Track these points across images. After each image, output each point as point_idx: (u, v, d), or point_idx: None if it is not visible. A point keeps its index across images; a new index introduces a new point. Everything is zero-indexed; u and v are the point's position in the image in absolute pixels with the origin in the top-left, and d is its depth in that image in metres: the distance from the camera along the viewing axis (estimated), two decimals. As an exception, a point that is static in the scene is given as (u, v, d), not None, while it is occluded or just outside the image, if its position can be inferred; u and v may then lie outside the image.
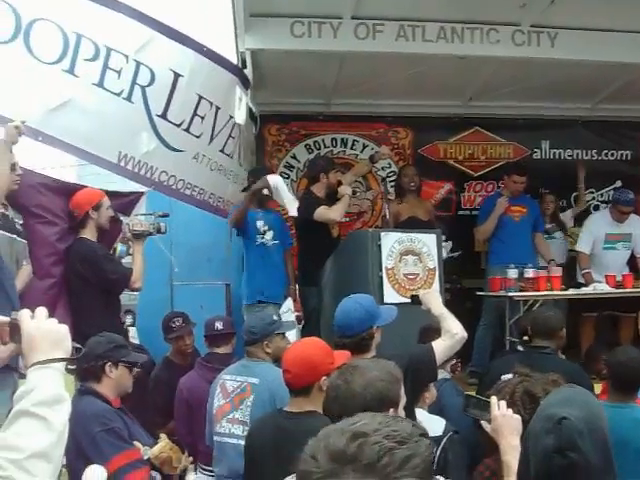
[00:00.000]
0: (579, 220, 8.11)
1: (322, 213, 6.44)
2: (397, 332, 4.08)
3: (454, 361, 4.86)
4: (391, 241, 5.74)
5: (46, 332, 1.93)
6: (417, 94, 7.77)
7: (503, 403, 2.59)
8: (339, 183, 6.75)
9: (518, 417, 2.53)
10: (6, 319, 2.03)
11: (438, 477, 2.00)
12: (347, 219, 8.12)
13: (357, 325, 3.78)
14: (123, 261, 6.02)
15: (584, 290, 6.98)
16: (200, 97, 5.59)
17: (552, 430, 1.79)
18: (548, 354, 4.71)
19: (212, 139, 5.86)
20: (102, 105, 5.06)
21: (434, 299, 4.10)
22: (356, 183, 7.99)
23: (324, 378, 3.13)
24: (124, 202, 5.72)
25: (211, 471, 4.63)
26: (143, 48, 5.24)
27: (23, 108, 4.75)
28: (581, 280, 7.51)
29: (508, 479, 2.34)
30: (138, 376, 4.18)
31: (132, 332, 6.95)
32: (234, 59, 6.20)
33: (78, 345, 2.06)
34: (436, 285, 5.75)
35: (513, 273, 6.52)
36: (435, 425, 3.64)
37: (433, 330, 4.59)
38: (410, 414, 2.71)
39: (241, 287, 6.76)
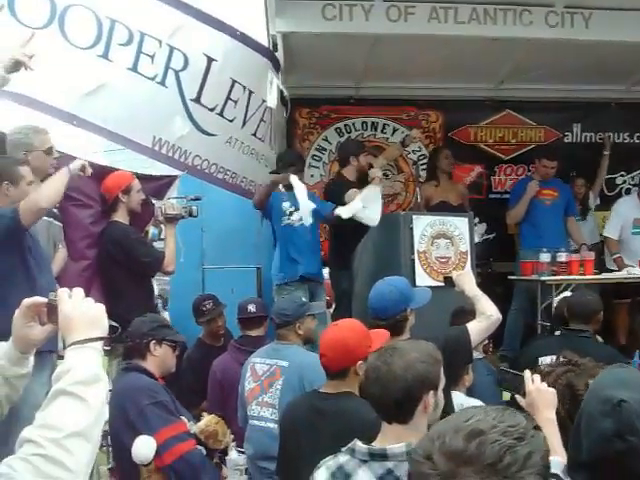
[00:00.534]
0: (606, 203, 8.05)
1: (352, 195, 6.42)
2: (429, 315, 4.09)
3: (486, 342, 4.86)
4: (423, 224, 5.74)
5: (83, 312, 1.94)
6: (448, 77, 7.69)
7: (537, 377, 2.55)
8: (370, 166, 6.73)
9: (553, 390, 2.50)
10: (44, 300, 2.06)
11: None
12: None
13: (392, 307, 3.80)
14: (155, 244, 6.07)
15: (617, 275, 6.92)
16: (233, 81, 5.62)
17: (610, 413, 1.74)
18: (587, 337, 4.69)
19: (245, 123, 5.88)
20: (136, 89, 5.12)
21: (468, 280, 4.06)
22: (387, 166, 7.97)
23: (360, 362, 3.14)
24: (157, 186, 5.74)
25: (243, 452, 4.68)
26: (176, 33, 5.28)
27: (58, 92, 4.82)
28: (610, 266, 7.45)
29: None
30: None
31: (164, 316, 7.01)
32: (265, 42, 6.19)
33: (114, 324, 2.07)
34: (468, 268, 5.73)
35: (545, 257, 6.45)
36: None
37: (466, 312, 4.58)
38: (447, 396, 2.70)
39: (271, 270, 6.77)
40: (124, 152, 5.45)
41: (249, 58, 5.78)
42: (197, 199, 5.78)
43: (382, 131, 8.24)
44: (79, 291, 2.00)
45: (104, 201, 5.38)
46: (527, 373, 2.61)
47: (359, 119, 8.18)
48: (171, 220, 5.52)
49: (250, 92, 5.80)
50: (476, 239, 6.20)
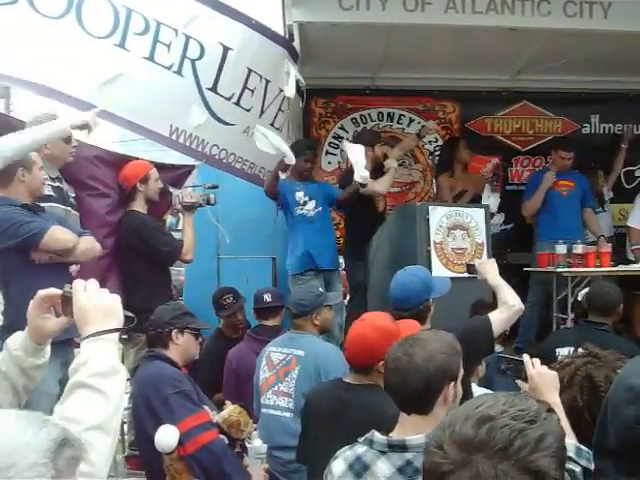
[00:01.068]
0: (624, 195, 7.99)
1: (368, 186, 6.42)
2: (445, 306, 4.07)
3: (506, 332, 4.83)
4: (439, 215, 5.72)
5: (98, 303, 1.93)
6: (465, 67, 7.65)
7: (537, 361, 2.53)
8: (385, 157, 6.71)
9: (554, 373, 2.47)
10: (59, 292, 2.05)
11: None
12: (399, 189, 8.13)
13: (415, 297, 3.80)
14: (173, 234, 6.07)
15: (634, 266, 6.87)
16: (250, 70, 5.61)
17: (633, 401, 1.73)
18: (606, 331, 4.66)
19: (262, 112, 5.88)
20: (153, 78, 5.12)
21: (491, 269, 4.03)
22: (404, 156, 7.95)
23: (382, 362, 3.11)
24: (175, 175, 5.75)
25: (263, 440, 4.70)
26: (192, 22, 5.27)
27: (75, 82, 4.83)
28: (630, 257, 7.41)
29: None
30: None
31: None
32: (282, 32, 6.18)
33: (130, 314, 2.06)
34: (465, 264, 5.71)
35: (562, 249, 6.42)
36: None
37: (485, 305, 4.57)
38: (467, 388, 2.69)
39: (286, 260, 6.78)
40: (140, 142, 5.46)
41: (265, 47, 5.77)
42: (215, 187, 5.76)
43: (398, 122, 8.21)
44: (94, 283, 2.00)
45: (122, 190, 5.39)
46: (526, 357, 2.59)
47: (375, 110, 8.16)
48: (189, 208, 5.52)
49: (267, 81, 5.79)
50: (494, 229, 6.16)
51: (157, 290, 5.24)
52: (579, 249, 6.46)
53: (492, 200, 7.34)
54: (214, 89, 5.41)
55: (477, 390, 3.81)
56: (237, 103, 5.61)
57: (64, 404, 1.75)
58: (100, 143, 5.54)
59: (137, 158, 5.51)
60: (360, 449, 2.37)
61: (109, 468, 1.80)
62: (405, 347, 2.41)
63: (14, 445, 1.18)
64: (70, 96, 4.79)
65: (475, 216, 5.86)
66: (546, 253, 6.66)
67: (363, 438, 2.38)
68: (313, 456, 3.19)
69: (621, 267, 6.79)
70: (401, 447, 2.27)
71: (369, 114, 8.17)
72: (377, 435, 2.34)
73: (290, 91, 5.88)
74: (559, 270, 6.36)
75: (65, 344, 3.78)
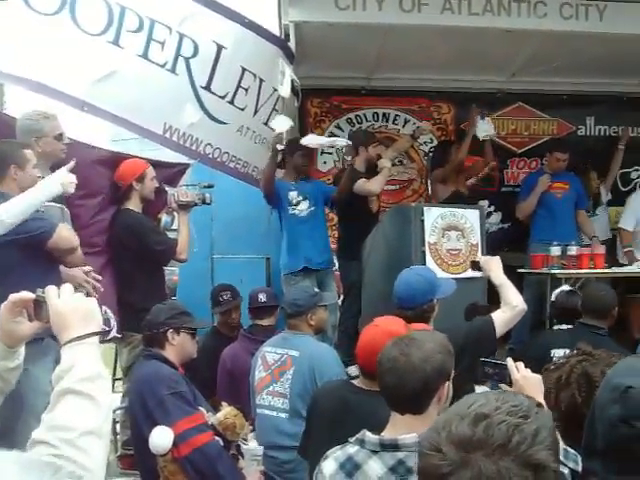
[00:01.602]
0: (621, 198, 8.00)
1: (361, 185, 6.40)
2: (440, 308, 4.05)
3: None
4: (434, 216, 5.71)
5: (75, 307, 1.89)
6: (460, 69, 7.64)
7: (521, 364, 2.52)
8: (379, 157, 6.70)
9: (539, 377, 2.46)
10: (31, 296, 1.99)
11: None
12: (396, 187, 8.12)
13: (419, 297, 3.79)
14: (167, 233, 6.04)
15: (627, 269, 6.88)
16: (244, 69, 5.59)
17: (618, 400, 1.75)
18: (602, 335, 4.64)
19: (256, 111, 5.87)
20: (147, 76, 5.11)
21: (495, 266, 4.03)
22: (399, 156, 7.94)
23: None
24: (171, 173, 5.73)
25: (254, 442, 4.68)
26: (186, 20, 5.26)
27: (69, 79, 4.80)
28: (622, 259, 7.41)
29: None
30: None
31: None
32: (277, 32, 6.17)
33: (108, 316, 2.04)
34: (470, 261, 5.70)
35: (556, 250, 6.44)
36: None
37: (480, 308, 4.56)
38: (471, 390, 2.67)
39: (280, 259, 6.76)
40: (134, 142, 5.44)
41: (260, 46, 5.75)
42: (210, 186, 5.75)
43: (393, 122, 8.19)
44: (68, 287, 1.96)
45: (117, 188, 5.35)
46: (510, 361, 2.57)
47: (370, 110, 8.13)
48: (184, 207, 5.50)
49: (261, 80, 5.77)
50: (491, 228, 6.16)
51: (152, 289, 5.23)
52: (573, 251, 6.49)
53: (486, 126, 7.41)
54: (208, 87, 5.40)
55: (479, 389, 3.80)
56: (231, 102, 5.59)
57: (53, 412, 1.71)
58: (93, 141, 5.51)
59: (132, 156, 5.47)
60: (351, 449, 2.36)
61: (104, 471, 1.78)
62: (401, 347, 2.39)
63: None
64: (63, 93, 4.77)
65: (470, 217, 5.87)
66: (540, 254, 6.67)
67: (354, 438, 2.37)
68: (315, 455, 3.16)
69: (615, 269, 6.81)
70: (393, 446, 2.25)
71: (364, 114, 8.15)
72: (369, 435, 2.32)
73: (285, 91, 5.86)
74: (553, 271, 6.36)
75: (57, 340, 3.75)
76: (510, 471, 1.19)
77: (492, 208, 6.28)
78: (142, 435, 3.53)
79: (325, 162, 8.07)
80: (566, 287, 5.82)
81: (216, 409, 3.87)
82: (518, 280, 6.94)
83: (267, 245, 7.19)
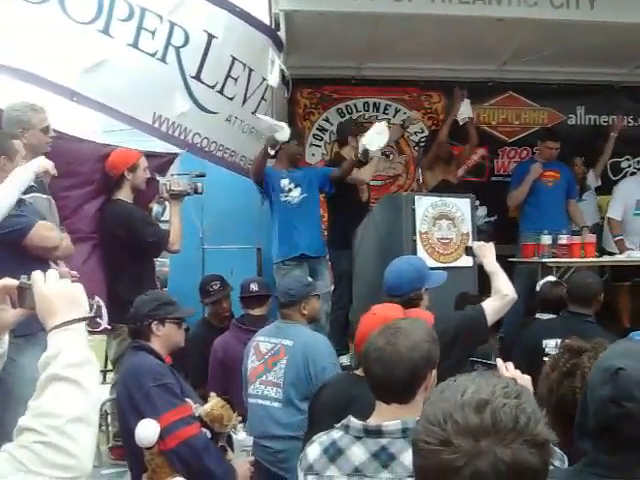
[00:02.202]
0: (612, 187, 8.01)
1: (352, 174, 6.43)
2: (431, 296, 4.06)
3: None
4: (425, 205, 5.71)
5: (61, 293, 1.86)
6: (451, 58, 7.64)
7: (510, 364, 2.52)
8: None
9: (528, 377, 2.45)
10: (15, 282, 1.97)
11: None
12: (382, 182, 8.12)
13: (407, 285, 3.80)
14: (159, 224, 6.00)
15: (618, 257, 6.91)
16: (233, 59, 5.57)
17: (609, 381, 1.77)
18: (591, 322, 4.67)
19: (245, 101, 5.85)
20: (137, 66, 5.07)
21: (488, 253, 4.06)
22: (388, 147, 7.94)
23: None
24: (160, 163, 5.68)
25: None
26: (177, 9, 5.23)
27: (58, 68, 4.76)
28: (609, 248, 7.43)
29: None
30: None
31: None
32: (267, 21, 6.14)
33: (94, 301, 2.00)
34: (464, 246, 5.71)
35: (547, 239, 6.46)
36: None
37: (471, 297, 4.57)
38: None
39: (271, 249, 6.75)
40: (124, 133, 5.40)
41: (249, 35, 5.73)
42: (202, 175, 5.71)
43: (384, 112, 8.19)
44: (53, 272, 1.93)
45: (108, 177, 5.30)
46: (499, 361, 2.57)
47: (361, 100, 8.13)
48: (176, 197, 5.44)
49: (250, 70, 5.75)
50: (477, 221, 6.17)
51: (142, 280, 5.17)
52: (564, 239, 6.50)
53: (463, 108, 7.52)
54: (198, 77, 5.37)
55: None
56: (220, 91, 5.57)
57: (40, 399, 1.68)
58: (82, 133, 5.46)
59: (122, 147, 5.43)
60: (336, 434, 2.36)
61: (93, 459, 1.76)
62: (387, 336, 2.38)
63: None
64: (52, 82, 4.73)
65: (461, 206, 5.86)
66: (531, 244, 6.70)
67: (340, 424, 2.37)
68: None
69: (606, 257, 6.83)
70: (377, 432, 2.25)
71: (355, 104, 8.14)
72: (353, 420, 2.32)
73: (274, 80, 5.83)
74: (544, 260, 6.38)
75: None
76: (522, 452, 1.19)
77: (477, 202, 6.27)
78: (129, 427, 3.48)
79: (313, 154, 8.07)
80: (551, 278, 5.84)
81: (206, 400, 3.84)
82: (509, 270, 7.01)
83: (258, 235, 7.16)
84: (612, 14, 6.15)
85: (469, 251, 4.28)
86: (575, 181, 7.67)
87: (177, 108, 5.33)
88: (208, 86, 5.47)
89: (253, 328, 4.91)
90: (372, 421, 2.32)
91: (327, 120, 8.10)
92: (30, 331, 3.27)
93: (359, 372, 3.33)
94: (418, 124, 8.06)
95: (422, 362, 2.33)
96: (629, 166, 8.51)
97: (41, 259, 4.13)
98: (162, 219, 5.85)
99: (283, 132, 5.76)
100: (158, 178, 5.54)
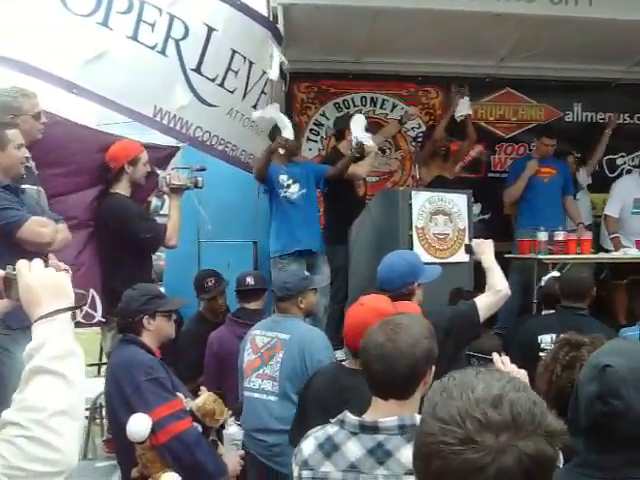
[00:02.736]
0: (607, 184, 8.03)
1: (348, 169, 6.45)
2: (426, 292, 4.07)
3: None
4: (422, 200, 5.71)
5: (46, 282, 1.83)
6: (449, 53, 7.64)
7: (506, 359, 2.54)
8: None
9: (524, 372, 2.47)
10: (1, 273, 1.94)
11: None
12: (377, 179, 8.13)
13: (397, 279, 3.81)
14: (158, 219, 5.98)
15: (614, 254, 6.93)
16: (234, 51, 5.55)
17: (597, 377, 1.79)
18: (585, 316, 4.68)
19: (245, 95, 5.83)
20: (136, 58, 5.05)
21: (487, 250, 4.09)
22: (385, 143, 7.96)
23: None
24: (161, 156, 5.63)
25: (240, 425, 4.66)
26: (176, 1, 5.21)
27: (57, 60, 4.75)
28: (606, 245, 7.45)
29: None
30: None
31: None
32: (265, 14, 6.13)
33: (81, 291, 1.97)
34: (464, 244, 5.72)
35: (543, 236, 6.47)
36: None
37: (465, 293, 4.58)
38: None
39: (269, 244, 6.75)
40: (121, 126, 5.39)
41: (249, 28, 5.70)
42: (203, 169, 5.64)
43: (381, 107, 8.19)
44: (38, 262, 1.90)
45: (107, 168, 5.25)
46: (495, 356, 2.58)
47: (358, 94, 8.12)
48: (176, 191, 5.39)
49: (251, 63, 5.73)
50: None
51: (138, 274, 5.10)
52: (560, 236, 6.51)
53: (461, 106, 7.49)
54: (198, 70, 5.35)
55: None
56: (221, 84, 5.54)
57: (23, 392, 1.66)
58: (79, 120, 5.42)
59: (120, 137, 5.41)
60: (331, 429, 2.36)
61: (83, 452, 1.75)
62: (387, 332, 2.37)
63: None
64: (52, 75, 4.71)
65: (458, 202, 5.87)
66: (527, 240, 6.70)
67: (335, 419, 2.37)
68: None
69: (601, 255, 6.85)
70: (373, 429, 2.25)
71: (352, 99, 8.13)
72: (349, 416, 2.32)
73: (274, 74, 5.84)
74: (540, 257, 6.39)
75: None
76: (541, 443, 1.19)
77: (472, 199, 6.29)
78: (120, 422, 3.46)
79: (310, 149, 8.06)
80: (556, 273, 5.85)
81: (197, 394, 3.83)
82: (504, 266, 7.02)
83: (255, 229, 7.16)
84: (610, 11, 6.15)
85: (469, 249, 4.29)
86: (572, 178, 7.68)
87: (177, 101, 5.30)
88: (208, 79, 5.45)
89: (249, 322, 4.90)
90: (368, 417, 2.32)
91: (324, 115, 8.10)
92: (28, 323, 3.26)
93: (347, 364, 3.34)
94: (415, 119, 8.05)
95: (423, 358, 2.33)
96: (624, 163, 8.53)
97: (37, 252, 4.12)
98: (161, 212, 5.80)
99: (288, 129, 5.80)
100: (158, 172, 5.49)
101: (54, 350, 1.71)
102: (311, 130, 8.08)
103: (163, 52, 5.13)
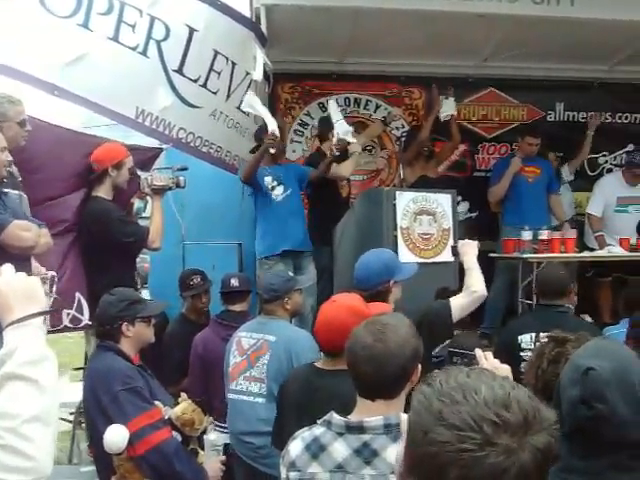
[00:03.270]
0: (589, 182, 8.06)
1: (331, 169, 6.43)
2: (410, 291, 4.09)
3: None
4: (406, 200, 5.72)
5: (17, 287, 1.81)
6: (432, 54, 7.63)
7: (489, 354, 2.53)
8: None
9: (507, 367, 2.44)
10: None
11: None
12: (364, 177, 8.14)
13: (374, 277, 3.81)
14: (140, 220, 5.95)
15: (599, 253, 6.95)
16: (216, 52, 5.53)
17: (579, 381, 1.78)
18: (564, 312, 4.67)
19: (229, 95, 5.81)
20: (118, 60, 5.02)
21: (470, 251, 4.08)
22: (371, 142, 7.97)
23: None
24: (145, 158, 5.59)
25: (225, 427, 4.65)
26: (157, 2, 5.20)
27: (38, 62, 4.72)
28: (590, 243, 7.48)
29: None
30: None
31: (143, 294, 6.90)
32: (248, 15, 6.11)
33: (54, 295, 1.95)
34: (450, 246, 5.73)
35: (527, 235, 6.48)
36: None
37: (449, 293, 4.57)
38: (428, 371, 2.67)
39: (254, 246, 6.73)
40: (103, 128, 5.35)
41: (231, 29, 5.68)
42: (184, 169, 5.60)
43: (365, 107, 8.18)
44: (8, 267, 1.88)
45: (90, 171, 5.20)
46: (478, 351, 2.57)
47: (342, 95, 8.10)
48: (158, 192, 5.36)
49: (234, 64, 5.71)
50: (459, 218, 6.19)
51: (121, 278, 5.06)
52: (544, 235, 6.52)
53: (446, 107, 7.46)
54: (180, 71, 5.32)
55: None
56: (204, 85, 5.52)
57: None
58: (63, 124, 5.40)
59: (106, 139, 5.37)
60: (318, 430, 2.36)
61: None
62: (374, 333, 2.36)
63: None
64: (33, 77, 4.68)
65: (442, 202, 5.87)
66: (512, 239, 6.71)
67: (322, 420, 2.36)
68: (286, 442, 3.16)
69: (586, 253, 6.88)
70: (359, 429, 2.26)
71: (336, 100, 8.11)
72: (335, 416, 2.32)
73: (258, 74, 5.82)
74: (524, 256, 6.40)
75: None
76: (547, 437, 1.19)
77: (460, 198, 6.30)
78: (97, 432, 3.39)
79: (294, 151, 8.05)
80: None
81: (179, 397, 3.77)
82: (489, 266, 7.04)
83: (240, 231, 7.13)
84: (592, 11, 6.17)
85: (455, 251, 4.29)
86: (556, 176, 7.71)
87: (160, 102, 5.28)
88: (191, 80, 5.42)
89: (234, 324, 4.88)
90: (354, 417, 2.32)
91: (308, 114, 8.08)
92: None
93: (319, 364, 3.33)
94: (399, 120, 8.07)
95: (411, 358, 2.34)
96: (606, 162, 8.56)
97: (21, 255, 4.09)
98: (144, 215, 5.76)
99: (269, 120, 5.80)
100: (140, 173, 5.45)
101: (26, 355, 1.68)
102: (295, 131, 8.07)
103: (144, 53, 5.11)
